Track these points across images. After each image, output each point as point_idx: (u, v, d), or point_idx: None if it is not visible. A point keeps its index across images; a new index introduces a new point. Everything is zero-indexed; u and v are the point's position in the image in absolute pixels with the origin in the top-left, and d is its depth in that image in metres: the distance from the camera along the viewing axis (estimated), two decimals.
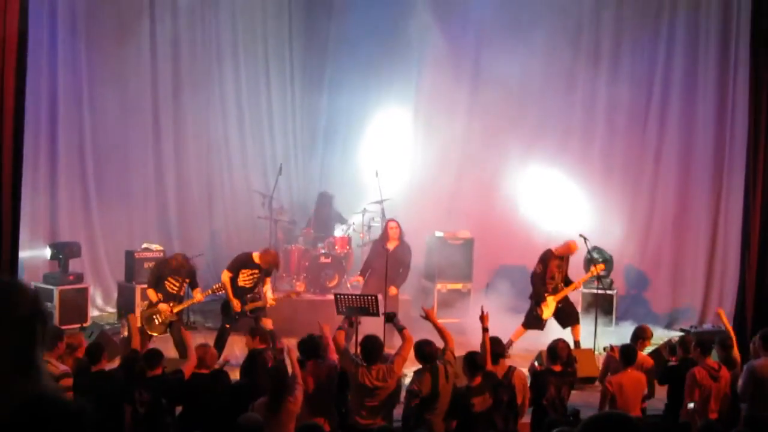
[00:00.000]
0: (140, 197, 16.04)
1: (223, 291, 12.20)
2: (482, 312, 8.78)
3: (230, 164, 17.23)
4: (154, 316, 11.78)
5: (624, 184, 16.03)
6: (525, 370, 9.79)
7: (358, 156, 17.13)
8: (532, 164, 15.87)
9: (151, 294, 11.93)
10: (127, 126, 15.69)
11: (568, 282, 12.82)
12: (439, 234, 15.16)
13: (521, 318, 12.88)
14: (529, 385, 8.94)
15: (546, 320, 12.69)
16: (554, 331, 12.24)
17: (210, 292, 12.26)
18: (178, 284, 11.96)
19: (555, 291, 12.68)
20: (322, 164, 18.31)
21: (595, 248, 14.03)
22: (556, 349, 8.93)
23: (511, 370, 8.59)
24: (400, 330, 8.76)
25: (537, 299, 12.68)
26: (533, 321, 12.71)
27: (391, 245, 13.26)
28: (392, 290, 12.81)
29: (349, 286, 13.93)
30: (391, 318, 9.19)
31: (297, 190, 18.24)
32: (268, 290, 12.14)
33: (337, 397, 8.88)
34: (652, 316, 15.33)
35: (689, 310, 15.46)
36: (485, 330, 8.60)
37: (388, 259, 12.64)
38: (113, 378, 8.19)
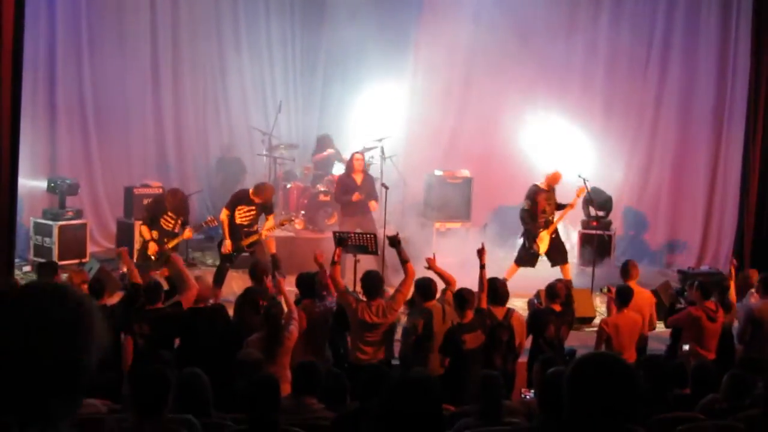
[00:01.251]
0: (139, 134, 15.97)
1: (215, 224, 12.20)
2: (481, 248, 8.75)
3: (228, 101, 17.13)
4: (149, 253, 11.77)
5: (624, 127, 15.95)
6: (523, 306, 9.81)
7: (357, 93, 17.02)
8: (532, 105, 15.77)
9: (145, 231, 11.91)
10: (125, 62, 15.57)
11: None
12: (438, 173, 15.08)
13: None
14: (527, 319, 8.97)
15: (540, 256, 12.70)
16: (544, 271, 12.35)
17: (201, 226, 12.12)
18: (173, 221, 11.92)
19: (547, 225, 12.67)
20: (322, 101, 18.21)
21: (595, 189, 14.01)
22: (555, 289, 8.95)
23: (510, 311, 8.60)
24: (404, 262, 8.58)
25: (530, 236, 12.68)
26: (526, 258, 12.70)
27: (357, 177, 13.33)
28: (373, 205, 12.90)
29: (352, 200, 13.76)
30: (394, 242, 8.76)
31: (296, 128, 18.15)
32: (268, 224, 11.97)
33: (336, 336, 8.88)
34: (650, 256, 15.40)
35: (687, 251, 15.51)
36: (482, 267, 8.58)
37: (359, 191, 13.02)
38: (114, 312, 8.22)
